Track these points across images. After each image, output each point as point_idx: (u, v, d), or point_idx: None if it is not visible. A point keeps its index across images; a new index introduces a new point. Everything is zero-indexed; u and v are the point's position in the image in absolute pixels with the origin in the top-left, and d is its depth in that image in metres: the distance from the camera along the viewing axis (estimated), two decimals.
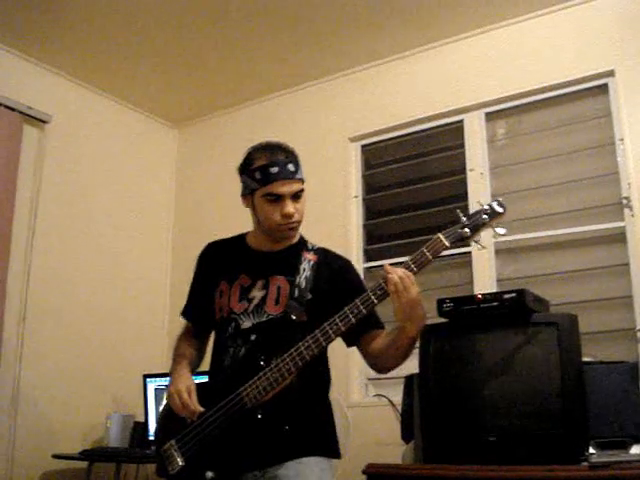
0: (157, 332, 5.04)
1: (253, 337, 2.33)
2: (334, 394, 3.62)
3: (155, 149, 5.39)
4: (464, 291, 3.89)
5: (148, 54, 4.50)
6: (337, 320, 2.15)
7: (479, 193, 4.02)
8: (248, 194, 2.39)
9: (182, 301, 5.18)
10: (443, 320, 3.02)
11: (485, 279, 3.90)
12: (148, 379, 4.36)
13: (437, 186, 4.23)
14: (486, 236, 3.86)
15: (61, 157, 4.58)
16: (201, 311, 2.56)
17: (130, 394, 4.54)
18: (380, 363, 2.36)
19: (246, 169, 2.38)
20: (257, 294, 2.38)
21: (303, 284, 2.35)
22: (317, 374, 2.39)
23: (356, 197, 4.51)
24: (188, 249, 5.12)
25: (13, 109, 4.23)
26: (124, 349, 4.71)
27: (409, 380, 3.16)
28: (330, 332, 2.16)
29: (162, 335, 5.07)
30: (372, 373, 4.08)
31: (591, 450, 2.51)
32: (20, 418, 4.07)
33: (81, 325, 4.53)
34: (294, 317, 2.29)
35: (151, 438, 4.25)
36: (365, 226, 4.45)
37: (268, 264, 2.43)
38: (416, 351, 3.00)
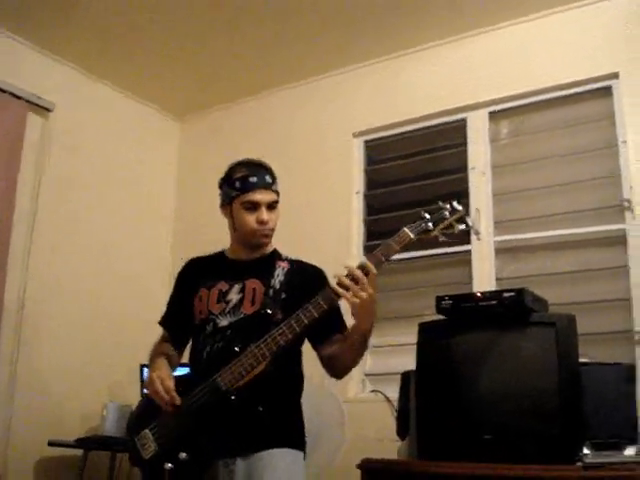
0: (155, 321, 5.03)
1: (229, 332, 2.45)
2: (331, 389, 3.66)
3: (158, 141, 5.39)
4: (463, 289, 3.88)
5: (152, 46, 4.50)
6: (310, 307, 2.27)
7: (480, 192, 4.03)
8: (227, 204, 2.59)
9: None
10: (441, 317, 3.03)
11: (484, 278, 3.91)
12: (145, 369, 4.35)
13: (439, 184, 4.22)
14: (487, 235, 3.89)
15: (64, 146, 4.58)
16: (178, 320, 2.69)
17: (127, 383, 4.54)
18: (335, 365, 2.47)
19: (226, 181, 2.58)
20: (234, 296, 2.52)
21: (277, 286, 2.50)
22: (291, 369, 2.53)
23: (358, 193, 4.51)
24: (189, 240, 5.18)
25: (18, 97, 4.23)
26: (121, 338, 4.71)
27: (406, 376, 3.17)
28: (302, 317, 2.26)
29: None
30: (369, 369, 4.11)
31: (585, 450, 2.52)
32: (16, 405, 4.08)
33: (79, 313, 4.54)
34: (269, 311, 2.41)
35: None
36: (366, 222, 4.46)
37: (244, 270, 2.57)
38: (413, 347, 3.03)
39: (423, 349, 3.00)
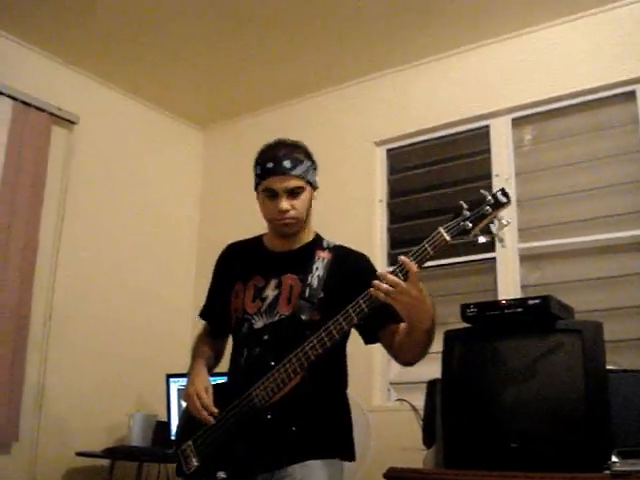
0: (181, 332, 5.05)
1: (266, 337, 2.36)
2: (355, 398, 3.65)
3: (181, 151, 5.42)
4: (488, 297, 3.87)
5: (175, 57, 4.53)
6: (340, 319, 2.14)
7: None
8: (256, 190, 2.50)
9: None
10: (467, 325, 3.02)
11: (509, 285, 3.89)
12: (171, 379, 4.39)
13: (462, 191, 4.21)
14: (511, 242, 3.87)
15: (89, 158, 4.63)
16: (218, 312, 2.60)
17: (153, 394, 4.57)
18: (401, 357, 2.36)
19: (254, 165, 2.48)
20: (270, 293, 2.42)
21: (315, 283, 2.37)
22: (330, 375, 2.40)
23: (381, 201, 4.51)
24: (213, 250, 5.14)
25: (42, 110, 4.28)
26: (148, 349, 4.74)
27: (431, 385, 3.16)
28: (333, 331, 2.15)
29: (186, 335, 5.05)
30: (394, 377, 4.10)
31: (614, 459, 2.49)
32: (44, 416, 4.12)
33: (105, 325, 4.57)
34: (304, 317, 2.31)
35: (173, 438, 4.27)
36: (390, 230, 4.45)
37: (281, 264, 2.46)
38: (438, 356, 3.01)
39: (449, 357, 2.98)
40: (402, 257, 2.04)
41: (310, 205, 2.48)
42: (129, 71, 4.74)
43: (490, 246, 3.93)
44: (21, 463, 3.99)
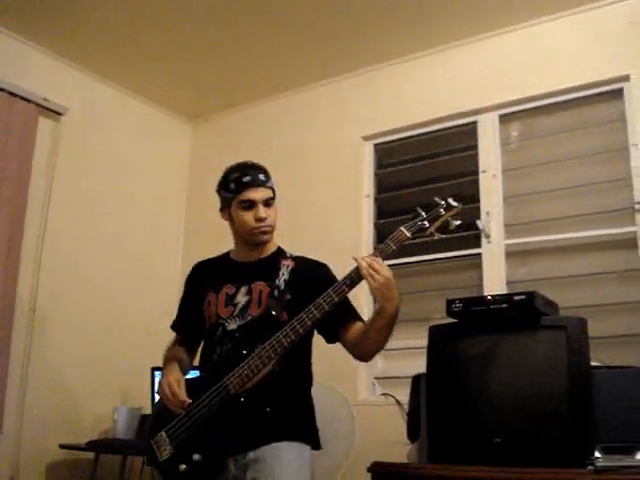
0: (166, 325, 5.03)
1: (237, 334, 2.53)
2: (341, 392, 3.66)
3: (169, 144, 5.40)
4: (474, 293, 3.88)
5: (164, 49, 4.51)
6: (312, 308, 2.34)
7: (491, 195, 4.03)
8: (226, 207, 2.67)
9: None
10: (452, 320, 3.02)
11: (495, 281, 3.90)
12: (156, 372, 4.37)
13: (449, 187, 4.21)
14: (497, 238, 3.88)
15: (75, 149, 4.60)
16: (189, 323, 2.77)
17: (138, 387, 4.55)
18: (362, 348, 2.52)
19: (222, 185, 2.68)
20: (241, 299, 2.59)
21: (282, 286, 2.56)
22: (299, 367, 2.59)
23: (368, 196, 4.51)
24: (200, 243, 5.19)
25: (29, 100, 4.25)
26: (132, 341, 4.73)
27: (416, 380, 3.16)
28: (306, 319, 2.34)
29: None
30: (379, 372, 4.11)
31: (597, 454, 2.50)
32: (28, 408, 4.10)
33: (90, 317, 4.55)
34: (274, 312, 2.49)
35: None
36: (377, 225, 4.45)
37: (250, 272, 2.64)
38: (423, 351, 3.02)
39: (433, 352, 2.99)
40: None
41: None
42: (118, 63, 4.71)
43: (476, 241, 3.96)
44: (4, 455, 3.97)
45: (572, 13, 3.96)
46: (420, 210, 2.38)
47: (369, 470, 2.88)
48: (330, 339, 2.59)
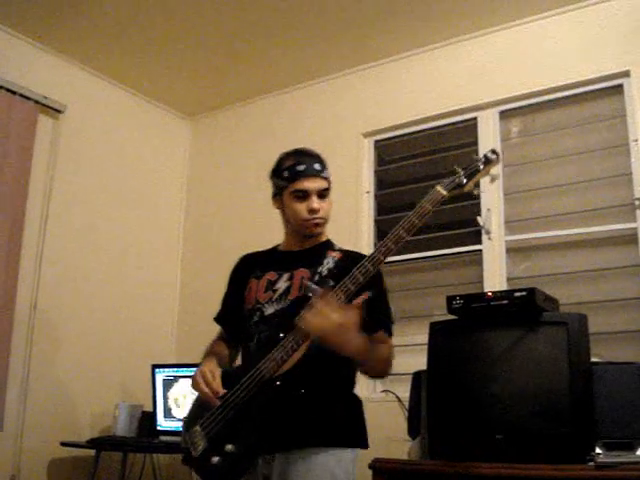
0: (167, 323, 5.07)
1: (276, 320, 2.40)
2: None
3: (168, 141, 5.40)
4: (474, 289, 3.88)
5: (163, 46, 4.50)
6: (347, 282, 2.18)
7: (491, 191, 4.02)
8: (278, 195, 2.54)
9: (192, 292, 5.22)
10: (453, 317, 3.03)
11: (495, 278, 3.90)
12: (157, 369, 4.38)
13: None
14: (498, 235, 3.88)
15: (75, 147, 4.60)
16: (233, 317, 2.63)
17: (139, 384, 4.56)
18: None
19: (276, 172, 2.54)
20: (282, 285, 2.47)
21: (325, 273, 2.43)
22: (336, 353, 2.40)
23: (368, 193, 4.51)
24: (199, 241, 5.20)
25: (28, 98, 4.25)
26: (134, 339, 4.74)
27: (417, 376, 3.16)
28: (341, 295, 2.17)
29: (172, 326, 5.10)
30: None
31: (598, 450, 2.51)
32: (29, 406, 4.09)
33: (91, 314, 4.56)
34: (310, 294, 2.30)
35: (159, 428, 4.27)
36: (377, 222, 4.45)
37: (294, 259, 2.52)
38: (424, 347, 3.02)
39: (434, 349, 2.99)
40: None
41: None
42: (117, 60, 4.71)
43: (477, 238, 3.96)
44: (5, 453, 3.96)
45: (572, 9, 3.95)
46: (457, 168, 2.29)
47: (370, 466, 2.88)
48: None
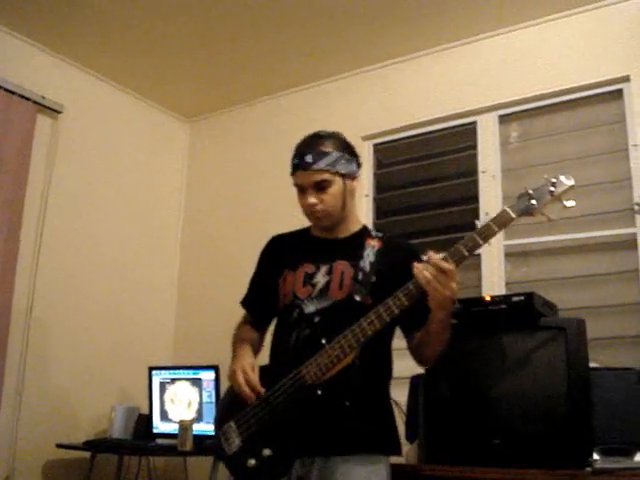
0: (164, 325, 5.06)
1: (317, 319, 2.33)
2: None
3: (167, 143, 5.40)
4: (472, 293, 3.87)
5: (163, 47, 4.50)
6: (400, 294, 2.13)
7: (490, 195, 4.02)
8: None
9: (189, 294, 5.21)
10: (451, 321, 3.01)
11: (494, 282, 3.89)
12: (153, 371, 4.37)
13: (448, 187, 4.22)
14: (496, 239, 3.87)
15: (73, 147, 4.59)
16: (261, 301, 2.58)
17: (135, 386, 4.55)
18: (420, 352, 2.37)
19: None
20: (321, 279, 2.39)
21: (367, 268, 2.36)
22: (379, 359, 2.41)
23: (367, 196, 4.50)
24: (197, 243, 5.19)
25: (27, 98, 4.24)
26: (130, 341, 4.73)
27: (414, 380, 3.15)
28: (393, 307, 2.14)
29: (168, 328, 5.09)
30: None
31: (595, 456, 2.50)
32: (24, 407, 4.08)
33: (87, 316, 4.55)
34: (358, 298, 2.29)
35: (155, 430, 4.26)
36: (375, 225, 4.43)
37: (332, 250, 2.45)
38: None
39: None
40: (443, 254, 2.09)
41: (346, 196, 2.45)
42: (116, 61, 4.70)
43: None
44: (0, 455, 3.95)
45: (572, 14, 3.95)
46: (529, 189, 2.18)
47: None
48: (407, 334, 2.42)
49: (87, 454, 4.09)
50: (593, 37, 3.87)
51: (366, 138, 4.59)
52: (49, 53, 4.52)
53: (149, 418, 4.31)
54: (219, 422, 2.39)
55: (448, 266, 2.05)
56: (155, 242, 5.15)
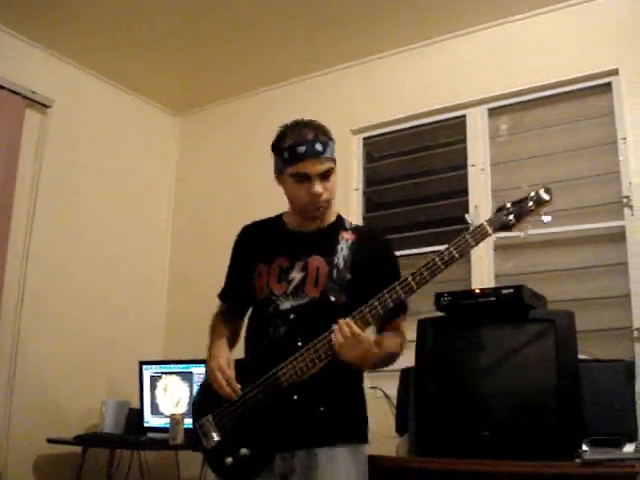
0: (154, 319, 5.05)
1: (292, 317, 2.34)
2: None
3: (157, 136, 5.39)
4: (462, 286, 3.88)
5: (152, 41, 4.49)
6: (375, 303, 2.17)
7: (480, 189, 4.03)
8: (279, 172, 2.42)
9: (180, 288, 5.20)
10: (440, 314, 3.03)
11: (483, 275, 3.91)
12: (144, 366, 4.37)
13: (438, 180, 4.23)
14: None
15: (62, 142, 4.58)
16: (237, 294, 2.58)
17: (126, 380, 4.55)
18: None
19: (276, 148, 2.43)
20: (296, 275, 2.38)
21: (341, 264, 2.36)
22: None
23: (357, 190, 4.50)
24: (187, 236, 5.18)
25: (16, 93, 4.22)
26: (121, 335, 4.73)
27: (405, 373, 3.16)
28: (368, 316, 2.17)
29: (159, 322, 5.08)
30: None
31: (584, 447, 2.51)
32: (15, 402, 4.08)
33: (78, 310, 4.54)
34: (333, 299, 2.30)
35: (146, 425, 4.26)
36: (365, 219, 4.45)
37: (306, 245, 2.43)
38: (412, 344, 3.02)
39: (422, 346, 2.98)
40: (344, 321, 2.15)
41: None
42: (105, 56, 4.68)
43: None
44: None
45: (562, 7, 3.96)
46: (507, 202, 2.20)
47: None
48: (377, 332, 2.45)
49: (78, 449, 4.10)
50: (582, 31, 3.88)
51: (356, 132, 4.59)
52: (39, 47, 4.50)
53: (140, 412, 4.31)
54: (195, 415, 2.42)
55: (357, 330, 2.12)
56: (145, 236, 5.14)
